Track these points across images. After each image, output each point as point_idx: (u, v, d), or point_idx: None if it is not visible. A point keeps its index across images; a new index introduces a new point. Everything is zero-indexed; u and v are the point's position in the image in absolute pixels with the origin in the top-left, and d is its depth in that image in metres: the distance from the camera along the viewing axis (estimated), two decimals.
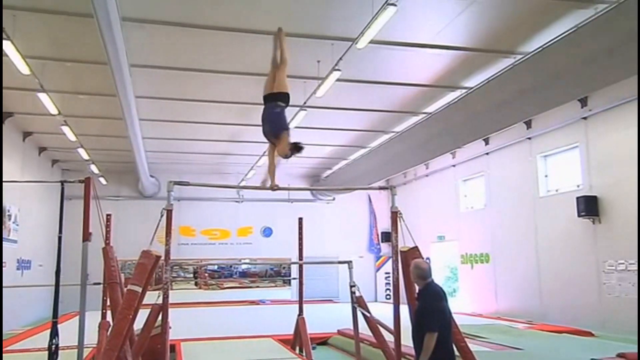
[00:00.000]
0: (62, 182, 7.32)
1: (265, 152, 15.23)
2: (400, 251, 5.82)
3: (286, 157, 5.78)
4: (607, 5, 7.29)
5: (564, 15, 8.00)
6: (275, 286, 24.68)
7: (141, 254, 5.35)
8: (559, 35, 7.91)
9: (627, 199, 10.22)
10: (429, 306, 4.77)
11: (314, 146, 16.02)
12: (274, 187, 5.84)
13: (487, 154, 14.78)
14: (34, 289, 12.80)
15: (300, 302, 9.15)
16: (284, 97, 5.87)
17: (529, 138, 13.03)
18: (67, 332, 7.64)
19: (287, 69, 5.99)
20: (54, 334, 6.76)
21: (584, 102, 11.11)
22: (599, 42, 7.24)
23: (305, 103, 10.80)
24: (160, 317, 5.70)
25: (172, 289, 7.47)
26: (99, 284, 7.61)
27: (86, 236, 6.55)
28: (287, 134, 5.73)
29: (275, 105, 5.83)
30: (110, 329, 6.01)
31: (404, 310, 5.61)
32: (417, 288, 5.13)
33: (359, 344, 7.60)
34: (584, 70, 7.78)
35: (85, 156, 15.33)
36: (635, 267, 9.93)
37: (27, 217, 14.28)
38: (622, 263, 10.28)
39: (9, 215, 13.00)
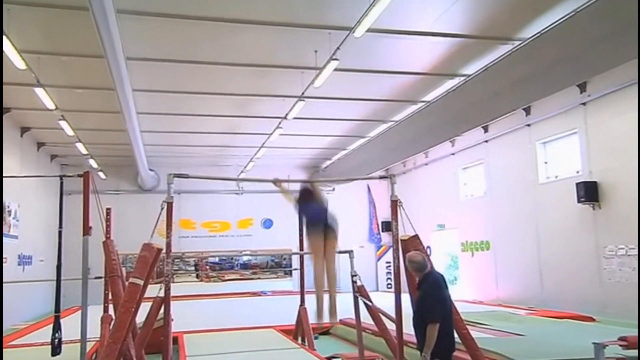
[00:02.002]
0: (61, 177, 7.32)
1: (263, 143, 15.29)
2: (401, 240, 5.83)
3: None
4: None
5: (562, 0, 7.94)
6: (277, 277, 24.73)
7: (142, 247, 5.35)
8: (557, 21, 7.86)
9: (626, 184, 10.21)
10: (430, 296, 4.80)
11: (313, 137, 16.03)
12: (276, 181, 5.91)
13: (486, 141, 14.76)
14: (36, 284, 12.82)
15: (302, 293, 9.17)
16: None
17: (528, 125, 13.00)
18: (70, 326, 7.67)
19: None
20: (57, 328, 6.79)
21: (582, 87, 11.08)
22: (597, 27, 7.20)
23: (303, 93, 10.76)
24: (162, 310, 5.71)
25: (173, 282, 7.48)
26: (101, 277, 7.62)
27: (86, 230, 6.56)
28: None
29: None
30: (112, 322, 6.03)
31: (406, 298, 5.62)
32: (417, 278, 5.15)
33: (361, 333, 7.62)
34: (582, 55, 7.75)
35: (84, 151, 15.29)
36: (635, 252, 9.95)
37: (27, 212, 14.28)
38: (622, 248, 10.30)
39: (9, 211, 13.00)
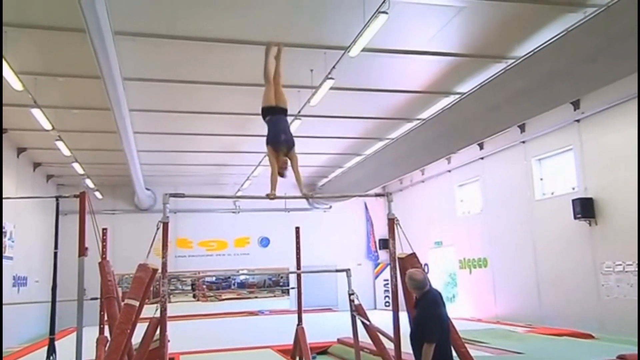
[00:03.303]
0: (57, 198, 7.31)
1: (260, 162, 15.29)
2: (398, 258, 5.82)
3: (281, 174, 6.00)
4: (595, 9, 7.35)
5: (554, 19, 8.07)
6: (274, 296, 24.56)
7: (138, 268, 5.33)
8: (549, 40, 7.96)
9: (622, 200, 10.26)
10: (428, 316, 4.77)
11: (310, 155, 16.06)
12: (272, 196, 5.84)
13: (482, 158, 14.82)
14: (31, 306, 12.70)
15: (299, 312, 9.11)
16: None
17: (523, 142, 13.08)
18: (65, 348, 7.59)
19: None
20: (52, 350, 6.73)
21: (576, 104, 11.17)
22: (588, 46, 7.29)
23: (299, 112, 10.81)
24: (158, 331, 5.66)
25: (170, 302, 7.43)
26: (96, 298, 7.57)
27: (82, 251, 6.53)
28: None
29: (286, 118, 6.10)
30: (108, 344, 5.97)
31: (403, 317, 5.59)
32: (415, 295, 5.13)
33: (359, 353, 7.56)
34: (575, 73, 7.83)
35: (80, 171, 15.29)
36: (632, 268, 9.95)
37: (23, 233, 14.20)
38: (620, 264, 10.29)
39: (5, 232, 12.92)
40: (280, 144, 5.84)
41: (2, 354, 7.22)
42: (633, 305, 9.78)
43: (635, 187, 9.72)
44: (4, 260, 12.72)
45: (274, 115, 5.99)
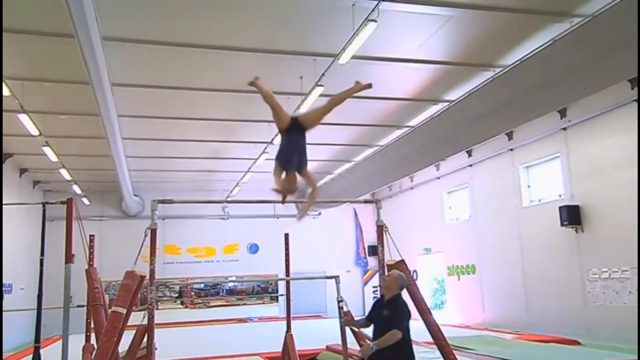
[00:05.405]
0: (44, 204, 7.25)
1: (250, 168, 15.27)
2: (387, 265, 5.84)
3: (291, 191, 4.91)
4: (581, 19, 7.47)
5: (541, 29, 8.16)
6: (263, 303, 24.50)
7: (125, 275, 5.30)
8: (537, 49, 8.07)
9: (608, 207, 10.37)
10: (405, 312, 5.13)
11: None
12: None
13: (470, 165, 14.92)
14: (16, 314, 12.52)
15: (288, 319, 9.09)
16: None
17: (511, 149, 13.19)
18: (50, 356, 7.51)
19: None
20: (37, 359, 6.64)
21: (563, 113, 11.31)
22: (575, 55, 7.39)
23: None
24: (145, 338, 5.62)
25: (157, 309, 7.39)
26: (83, 306, 7.49)
27: (69, 258, 6.47)
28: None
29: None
30: (94, 352, 5.91)
31: None
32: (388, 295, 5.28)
33: None
34: (562, 82, 7.93)
35: (68, 176, 15.14)
36: (618, 275, 10.05)
37: (8, 239, 14.00)
38: (606, 271, 10.39)
39: None
40: (292, 165, 4.89)
41: (1, 355, 7.14)
42: (619, 311, 9.88)
43: (621, 194, 9.86)
44: None
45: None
